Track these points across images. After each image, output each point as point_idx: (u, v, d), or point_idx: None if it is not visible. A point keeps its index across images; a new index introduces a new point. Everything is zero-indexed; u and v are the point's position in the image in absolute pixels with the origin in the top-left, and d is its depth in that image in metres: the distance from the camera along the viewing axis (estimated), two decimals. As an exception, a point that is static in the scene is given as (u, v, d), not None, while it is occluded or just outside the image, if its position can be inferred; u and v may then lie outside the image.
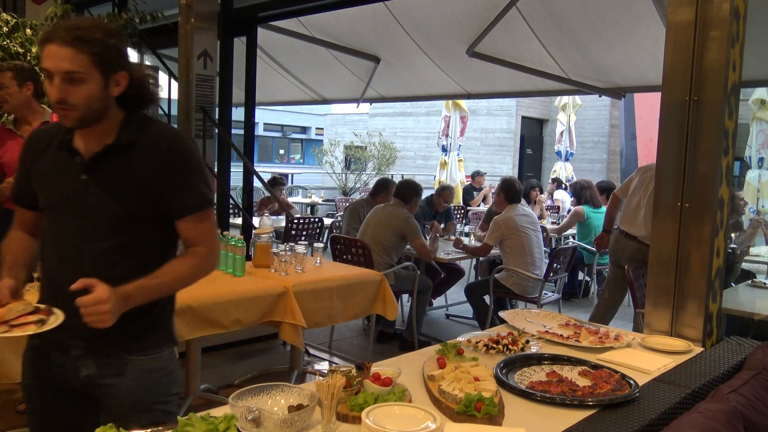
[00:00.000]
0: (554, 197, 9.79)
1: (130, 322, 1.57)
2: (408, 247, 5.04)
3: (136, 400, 1.66)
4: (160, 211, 1.64)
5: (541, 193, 8.77)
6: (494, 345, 2.05)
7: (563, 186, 10.35)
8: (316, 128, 30.56)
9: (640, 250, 4.15)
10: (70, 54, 1.50)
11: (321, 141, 22.78)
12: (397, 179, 6.62)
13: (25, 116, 3.29)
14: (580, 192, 6.78)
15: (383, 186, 5.82)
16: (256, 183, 6.05)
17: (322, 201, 10.87)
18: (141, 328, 1.66)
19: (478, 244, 5.35)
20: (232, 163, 6.06)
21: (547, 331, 2.28)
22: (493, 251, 5.18)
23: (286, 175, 13.50)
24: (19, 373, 1.80)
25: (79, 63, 1.51)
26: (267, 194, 6.69)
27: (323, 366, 4.48)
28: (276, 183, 7.74)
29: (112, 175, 1.61)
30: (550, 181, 11.06)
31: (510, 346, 2.04)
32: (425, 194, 5.91)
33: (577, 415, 1.59)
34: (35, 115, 3.29)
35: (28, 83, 3.21)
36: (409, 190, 5.13)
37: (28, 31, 4.63)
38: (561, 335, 2.24)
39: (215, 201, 1.67)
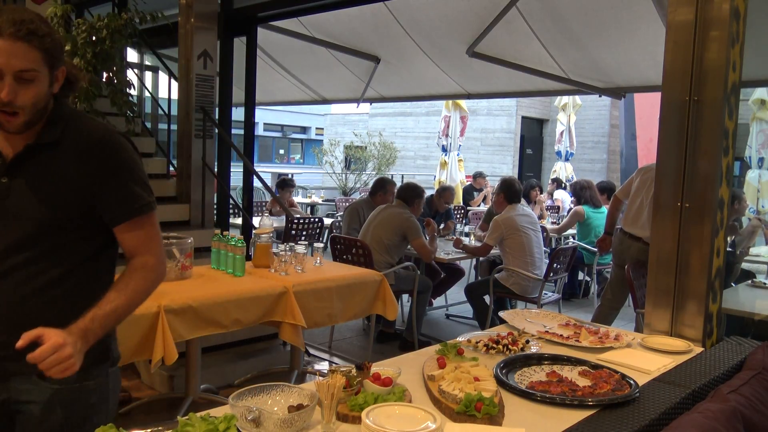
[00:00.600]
0: (554, 197, 9.79)
1: None
2: (408, 247, 5.05)
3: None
4: (92, 216, 1.50)
5: (541, 193, 8.77)
6: (494, 345, 2.05)
7: (563, 186, 10.35)
8: (316, 128, 30.57)
9: (645, 251, 4.13)
10: (23, 50, 1.34)
11: (321, 141, 22.79)
12: (397, 179, 6.61)
13: None
14: (580, 192, 6.78)
15: (380, 185, 5.77)
16: (256, 183, 6.06)
17: (322, 201, 10.88)
18: None
19: (478, 244, 5.35)
20: (232, 163, 6.07)
21: (547, 331, 2.28)
22: (493, 251, 5.18)
23: (288, 175, 13.50)
24: None
25: (32, 60, 1.36)
26: (274, 194, 6.70)
27: (323, 366, 4.48)
28: (285, 184, 7.72)
29: (35, 177, 1.46)
30: (550, 181, 11.05)
31: (510, 346, 2.04)
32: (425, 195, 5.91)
33: (577, 415, 1.59)
34: None
35: None
36: (410, 192, 5.13)
37: None
38: (561, 335, 2.24)
39: (155, 204, 1.52)
